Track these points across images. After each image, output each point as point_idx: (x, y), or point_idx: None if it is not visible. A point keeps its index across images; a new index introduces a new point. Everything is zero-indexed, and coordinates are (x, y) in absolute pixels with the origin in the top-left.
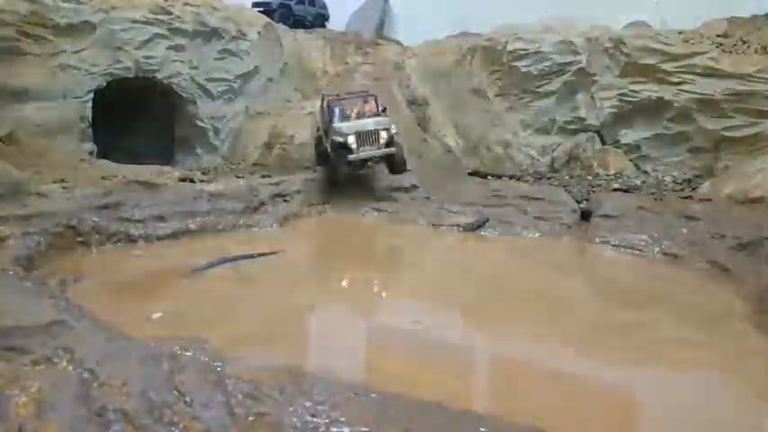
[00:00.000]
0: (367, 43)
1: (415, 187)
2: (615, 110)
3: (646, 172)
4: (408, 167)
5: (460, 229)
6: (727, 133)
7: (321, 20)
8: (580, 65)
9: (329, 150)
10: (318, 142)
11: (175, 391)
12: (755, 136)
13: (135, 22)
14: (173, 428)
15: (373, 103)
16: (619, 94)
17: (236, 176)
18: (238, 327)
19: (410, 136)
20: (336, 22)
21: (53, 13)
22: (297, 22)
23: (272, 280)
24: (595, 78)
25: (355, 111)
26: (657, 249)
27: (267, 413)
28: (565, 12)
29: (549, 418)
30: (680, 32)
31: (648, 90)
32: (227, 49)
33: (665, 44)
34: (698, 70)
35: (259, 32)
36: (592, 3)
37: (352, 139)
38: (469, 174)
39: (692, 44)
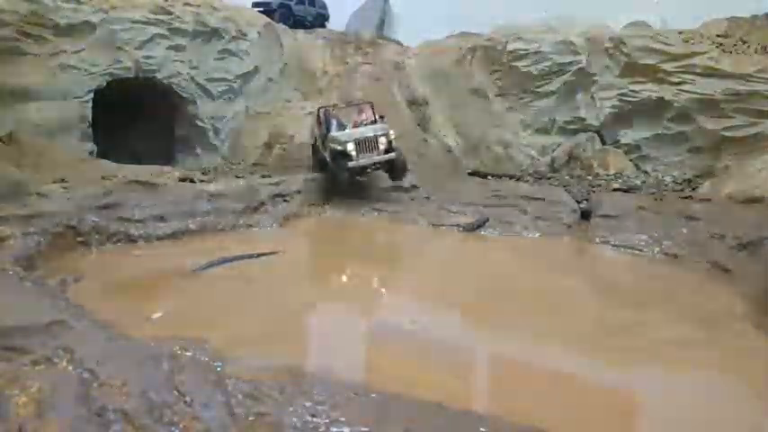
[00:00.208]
0: (367, 43)
1: (415, 187)
2: (615, 110)
3: (646, 172)
4: (408, 167)
5: (460, 229)
6: (727, 133)
7: (321, 20)
8: (580, 65)
9: (328, 160)
10: (315, 151)
11: (175, 391)
12: (755, 136)
13: (135, 22)
14: (173, 428)
15: (370, 111)
16: (619, 94)
17: (236, 176)
18: (238, 327)
19: (410, 136)
20: (336, 22)
21: (53, 13)
22: (297, 22)
23: (271, 280)
24: (595, 78)
25: (352, 120)
26: (657, 249)
27: (267, 413)
28: (565, 12)
29: (549, 418)
30: (680, 32)
31: (648, 90)
32: (227, 49)
33: (665, 44)
34: (698, 70)
35: (259, 32)
36: (592, 3)
37: (351, 147)
38: (469, 174)
39: (692, 44)
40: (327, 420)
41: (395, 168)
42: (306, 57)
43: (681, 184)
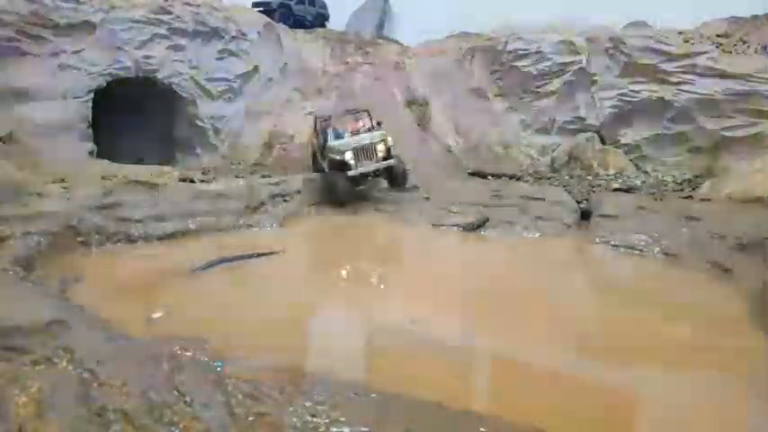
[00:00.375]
0: (367, 43)
1: (415, 187)
2: (615, 110)
3: (646, 172)
4: (408, 167)
5: (460, 229)
6: (727, 133)
7: (321, 20)
8: (580, 65)
9: (326, 170)
10: (315, 161)
11: (175, 391)
12: (755, 136)
13: (135, 22)
14: (173, 428)
15: (367, 118)
16: (619, 94)
17: (236, 176)
18: (238, 327)
19: (410, 136)
20: (336, 22)
21: (53, 13)
22: (297, 22)
23: (271, 280)
24: (595, 78)
25: (349, 128)
26: (657, 249)
27: (267, 413)
28: (565, 12)
29: (549, 418)
30: (680, 32)
31: (648, 90)
32: (227, 49)
33: (665, 44)
34: (698, 70)
35: (259, 32)
36: (592, 3)
37: (349, 155)
38: (469, 174)
39: (692, 44)
40: (327, 420)
41: (394, 175)
42: (306, 56)
43: (681, 184)
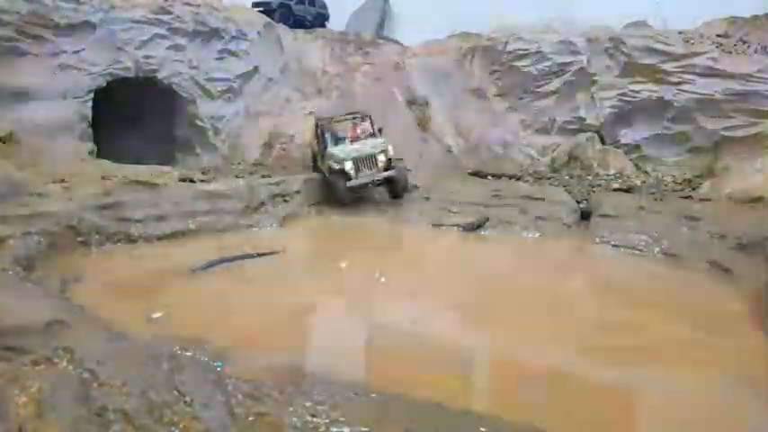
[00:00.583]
0: (367, 43)
1: (415, 187)
2: (615, 110)
3: (646, 172)
4: (408, 168)
5: (460, 229)
6: (727, 133)
7: (321, 20)
8: (580, 65)
9: (326, 175)
10: (314, 162)
11: (175, 391)
12: (755, 136)
13: (135, 22)
14: (173, 428)
15: (368, 123)
16: (619, 94)
17: (236, 176)
18: (238, 327)
19: (410, 136)
20: (336, 22)
21: (53, 12)
22: (297, 22)
23: (271, 280)
24: (595, 78)
25: (349, 133)
26: (657, 249)
27: (267, 413)
28: (565, 12)
29: (549, 418)
30: (680, 32)
31: (648, 90)
32: (227, 49)
33: (665, 44)
34: (698, 70)
35: (259, 32)
36: (592, 3)
37: (349, 165)
38: (469, 174)
39: (692, 44)
40: (327, 420)
41: (395, 186)
42: (306, 57)
43: (681, 184)
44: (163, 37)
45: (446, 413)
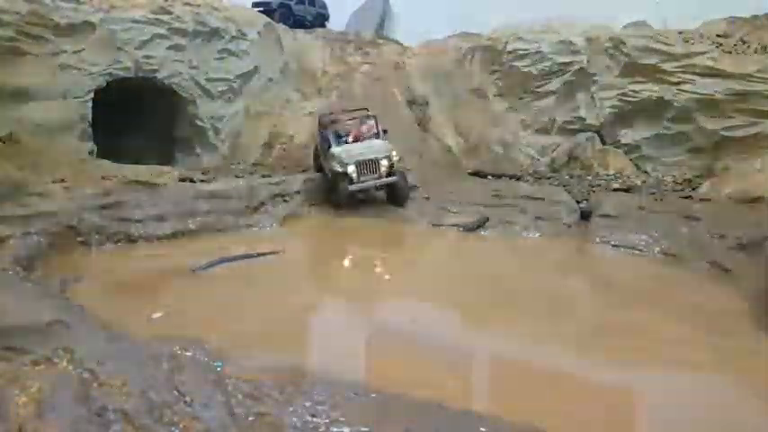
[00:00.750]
0: (367, 43)
1: (415, 187)
2: (615, 110)
3: (646, 172)
4: (408, 168)
5: (460, 229)
6: (727, 133)
7: (321, 20)
8: (580, 65)
9: (328, 174)
10: (316, 157)
11: (175, 391)
12: (755, 136)
13: (135, 22)
14: (173, 428)
15: (373, 122)
16: (619, 94)
17: (236, 176)
18: (238, 326)
19: (410, 136)
20: (336, 22)
21: (53, 13)
22: (297, 22)
23: (271, 280)
24: (595, 78)
25: (353, 132)
26: (657, 249)
27: (267, 413)
28: (565, 12)
29: (549, 418)
30: (680, 32)
31: (648, 90)
32: (227, 49)
33: (665, 44)
34: (698, 70)
35: (259, 32)
36: (592, 3)
37: (351, 169)
38: (469, 174)
39: (692, 44)
40: (327, 420)
41: (396, 193)
42: (306, 57)
43: (681, 184)
44: (163, 37)
45: (446, 413)
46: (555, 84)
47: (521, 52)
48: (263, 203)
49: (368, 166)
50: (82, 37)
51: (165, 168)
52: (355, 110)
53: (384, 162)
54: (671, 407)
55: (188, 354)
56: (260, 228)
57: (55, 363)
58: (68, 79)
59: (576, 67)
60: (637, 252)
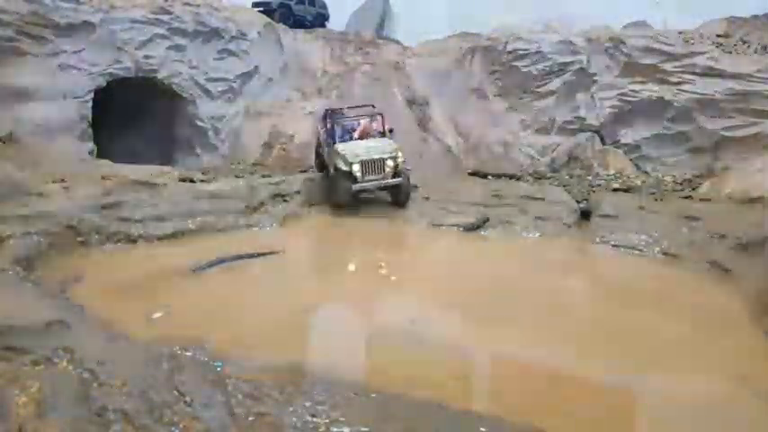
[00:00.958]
0: (367, 43)
1: (415, 187)
2: (615, 110)
3: (646, 172)
4: (408, 168)
5: (460, 229)
6: (727, 133)
7: (321, 20)
8: (580, 65)
9: (330, 170)
10: (318, 153)
11: (175, 391)
12: (755, 136)
13: (135, 22)
14: (173, 428)
15: (380, 122)
16: (619, 94)
17: (236, 176)
18: (238, 326)
19: (410, 136)
20: (336, 22)
21: (53, 13)
22: (297, 22)
23: (271, 280)
24: (595, 78)
25: (359, 129)
26: (657, 249)
27: (267, 413)
28: (565, 12)
29: (549, 419)
30: (680, 32)
31: (648, 90)
32: (227, 49)
33: (665, 44)
34: (698, 70)
35: (259, 32)
36: (592, 3)
37: (356, 168)
38: (469, 174)
39: (692, 44)
40: (327, 420)
41: (399, 194)
42: (306, 57)
43: (681, 184)
44: (163, 37)
45: (446, 413)
46: (555, 84)
47: (521, 52)
48: (263, 203)
49: (373, 165)
50: (82, 37)
51: (165, 168)
52: (362, 106)
53: (390, 163)
54: (671, 406)
55: (188, 354)
56: (260, 228)
57: (55, 363)
58: (68, 79)
59: (576, 67)
60: (637, 252)
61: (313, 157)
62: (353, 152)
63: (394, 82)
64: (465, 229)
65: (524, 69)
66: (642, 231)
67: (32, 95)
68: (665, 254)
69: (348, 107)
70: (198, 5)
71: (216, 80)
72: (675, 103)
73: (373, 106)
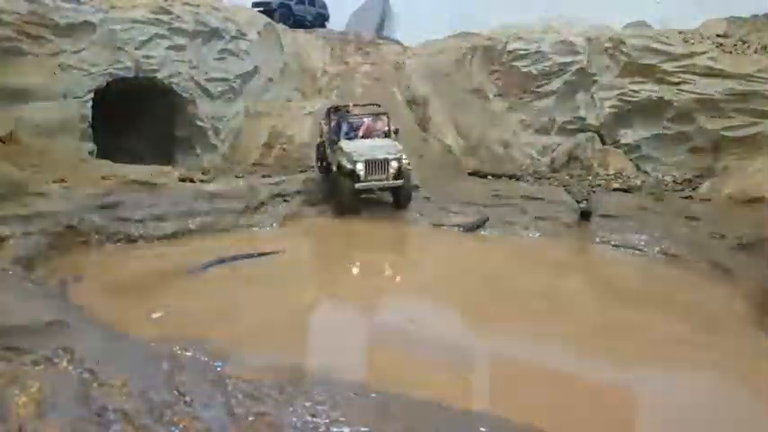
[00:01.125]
0: (367, 43)
1: (415, 187)
2: (615, 110)
3: (646, 172)
4: (410, 169)
5: (461, 229)
6: (727, 133)
7: (321, 20)
8: (580, 65)
9: (333, 168)
10: (319, 151)
11: (175, 391)
12: (755, 136)
13: (135, 22)
14: (173, 428)
15: (385, 121)
16: (619, 94)
17: (236, 176)
18: (238, 326)
19: (410, 136)
20: (336, 22)
21: (53, 13)
22: (297, 22)
23: (271, 279)
24: (595, 78)
25: (364, 128)
26: (657, 249)
27: (267, 413)
28: (565, 12)
29: (549, 418)
30: (680, 32)
31: (648, 90)
32: (227, 49)
33: (665, 44)
34: (698, 70)
35: (259, 32)
36: (592, 3)
37: (360, 167)
38: (469, 174)
39: (692, 44)
40: (327, 420)
41: (401, 196)
42: (306, 57)
43: (681, 184)
44: (163, 37)
45: (446, 413)
46: (555, 84)
47: (521, 52)
48: (263, 203)
49: (377, 165)
50: (82, 37)
51: (165, 168)
52: (367, 104)
53: (394, 164)
54: (671, 406)
55: (188, 354)
56: (260, 228)
57: (55, 363)
58: (68, 79)
59: (576, 67)
60: (637, 252)
61: (314, 156)
62: (358, 151)
63: (394, 82)
64: (465, 228)
65: (524, 69)
66: (642, 231)
67: (32, 95)
68: (665, 254)
69: (354, 104)
70: (198, 5)
71: (216, 80)
72: (675, 103)
73: (378, 105)
